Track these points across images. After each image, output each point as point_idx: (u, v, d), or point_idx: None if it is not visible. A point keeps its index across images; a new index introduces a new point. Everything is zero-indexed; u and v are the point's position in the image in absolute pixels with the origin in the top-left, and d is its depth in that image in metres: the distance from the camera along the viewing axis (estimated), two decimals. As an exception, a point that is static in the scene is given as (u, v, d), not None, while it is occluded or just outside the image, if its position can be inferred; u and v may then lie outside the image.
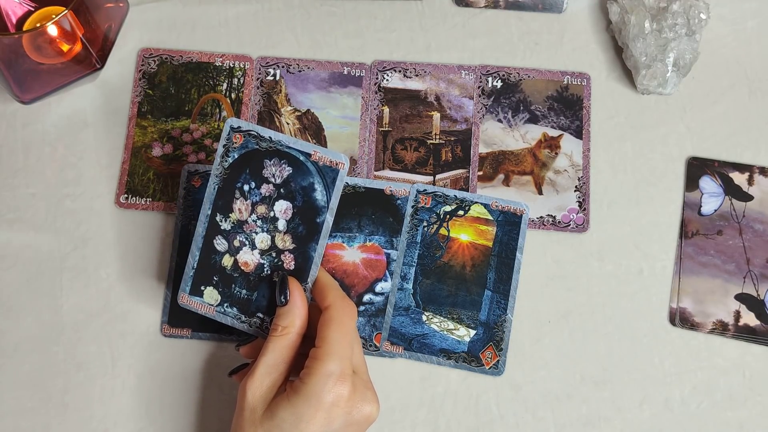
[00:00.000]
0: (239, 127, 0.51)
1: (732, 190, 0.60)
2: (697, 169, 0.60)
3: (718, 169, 0.60)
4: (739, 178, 0.60)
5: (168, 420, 0.55)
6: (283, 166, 0.51)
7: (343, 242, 0.57)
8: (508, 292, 0.57)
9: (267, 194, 0.51)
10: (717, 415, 0.56)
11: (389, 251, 0.57)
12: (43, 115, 0.60)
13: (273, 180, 0.51)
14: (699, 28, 0.60)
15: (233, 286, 0.51)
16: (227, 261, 0.51)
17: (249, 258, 0.51)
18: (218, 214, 0.51)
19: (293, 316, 0.48)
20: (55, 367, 0.56)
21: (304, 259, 0.51)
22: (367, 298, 0.57)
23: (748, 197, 0.59)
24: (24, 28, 0.59)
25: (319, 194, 0.51)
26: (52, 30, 0.56)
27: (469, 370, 0.56)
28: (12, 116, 0.60)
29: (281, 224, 0.51)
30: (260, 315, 0.51)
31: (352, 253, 0.57)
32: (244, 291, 0.51)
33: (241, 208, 0.51)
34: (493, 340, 0.56)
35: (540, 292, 0.58)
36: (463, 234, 0.58)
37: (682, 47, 0.59)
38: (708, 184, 0.60)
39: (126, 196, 0.59)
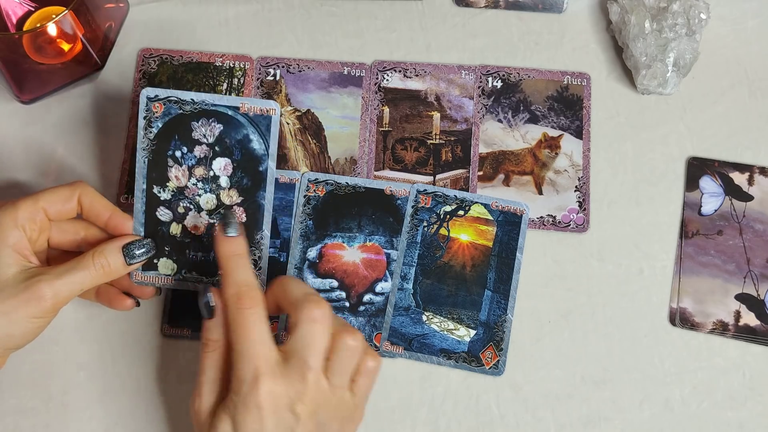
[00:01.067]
0: (156, 95, 0.50)
1: (732, 190, 0.60)
2: (697, 169, 0.60)
3: (718, 169, 0.60)
4: (739, 178, 0.60)
5: (168, 420, 0.55)
6: (213, 124, 0.50)
7: (343, 242, 0.57)
8: (508, 292, 0.57)
9: (202, 155, 0.51)
10: (717, 415, 0.56)
11: (389, 251, 0.57)
12: (43, 115, 0.60)
13: (205, 140, 0.51)
14: (699, 28, 0.60)
15: (187, 251, 0.51)
16: (175, 229, 0.51)
17: (197, 221, 0.51)
18: (155, 186, 0.51)
19: (222, 328, 0.46)
20: (55, 367, 0.56)
21: (254, 208, 0.51)
22: (367, 298, 0.57)
23: (748, 197, 0.59)
24: (24, 28, 0.59)
25: (256, 144, 0.51)
26: (52, 30, 0.56)
27: (469, 370, 0.56)
28: (12, 116, 0.60)
29: (224, 181, 0.51)
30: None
31: (352, 253, 0.57)
32: (199, 254, 0.51)
33: (177, 174, 0.51)
34: (493, 340, 0.56)
35: (540, 292, 0.58)
36: (463, 234, 0.58)
37: (682, 47, 0.59)
38: (708, 184, 0.60)
39: (126, 196, 0.59)
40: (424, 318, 0.57)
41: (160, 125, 0.50)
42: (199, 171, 0.51)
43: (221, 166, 0.51)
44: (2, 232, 0.47)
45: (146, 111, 0.50)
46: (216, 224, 0.50)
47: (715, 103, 0.62)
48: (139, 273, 0.51)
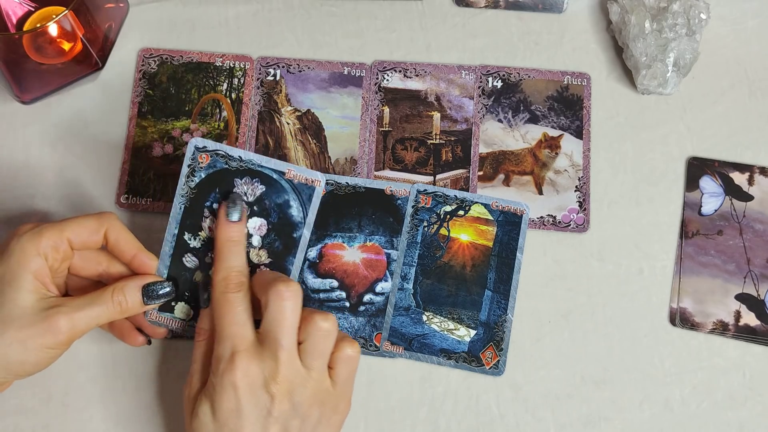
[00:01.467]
0: (205, 146, 0.50)
1: (732, 190, 0.60)
2: (697, 169, 0.60)
3: (719, 169, 0.60)
4: (739, 178, 0.60)
5: (168, 421, 0.55)
6: (256, 184, 0.50)
7: (344, 242, 0.57)
8: (508, 292, 0.57)
9: None
10: (717, 415, 0.56)
11: (389, 251, 0.57)
12: (43, 115, 0.60)
13: (245, 198, 0.50)
14: (699, 28, 0.60)
15: (208, 299, 0.50)
16: (198, 276, 0.51)
17: None
18: (186, 233, 0.51)
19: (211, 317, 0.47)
20: (55, 367, 0.56)
21: (281, 272, 0.51)
22: (367, 298, 0.57)
23: (748, 197, 0.59)
24: (24, 28, 0.59)
25: (295, 210, 0.51)
26: (53, 30, 0.56)
27: (470, 370, 0.56)
28: (12, 116, 0.60)
29: (256, 240, 0.51)
30: None
31: (353, 253, 0.57)
32: None
33: (211, 226, 0.50)
34: (493, 340, 0.56)
35: (540, 292, 0.58)
36: (464, 234, 0.58)
37: (683, 47, 0.59)
38: (708, 184, 0.60)
39: (126, 196, 0.59)
40: (424, 318, 0.57)
41: (203, 176, 0.50)
42: None
43: (256, 225, 0.51)
44: (25, 259, 0.46)
45: (191, 160, 0.50)
46: (221, 204, 0.49)
47: (715, 103, 0.62)
48: (154, 313, 0.51)
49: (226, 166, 0.50)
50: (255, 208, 0.51)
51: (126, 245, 0.49)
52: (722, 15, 0.63)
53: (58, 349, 0.47)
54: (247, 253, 0.51)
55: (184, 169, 0.50)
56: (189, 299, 0.51)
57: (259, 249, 0.51)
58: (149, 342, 0.53)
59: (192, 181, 0.50)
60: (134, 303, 0.48)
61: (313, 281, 0.57)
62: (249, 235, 0.51)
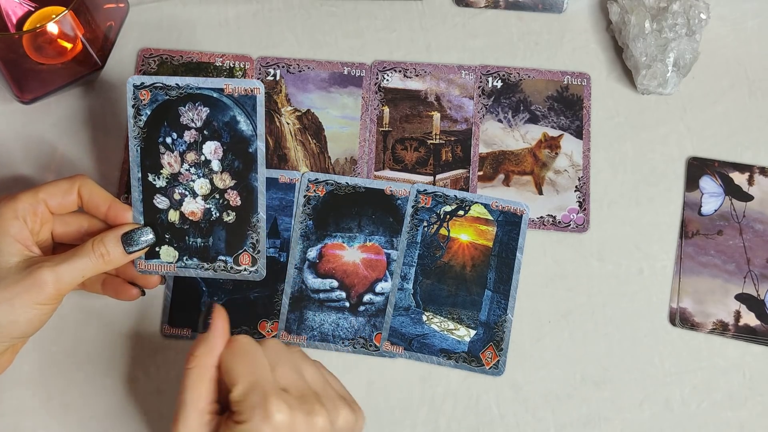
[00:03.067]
0: (142, 83, 0.51)
1: (732, 190, 0.60)
2: (697, 169, 0.60)
3: (718, 169, 0.60)
4: (739, 178, 0.60)
5: (168, 420, 0.55)
6: (199, 108, 0.51)
7: (343, 242, 0.57)
8: (508, 292, 0.57)
9: (192, 140, 0.51)
10: (717, 415, 0.56)
11: (389, 251, 0.57)
12: (43, 115, 0.60)
13: (194, 124, 0.51)
14: (699, 28, 0.60)
15: (187, 238, 0.51)
16: (173, 216, 0.51)
17: (194, 207, 0.51)
18: (149, 174, 0.51)
19: (208, 346, 0.44)
20: (55, 367, 0.56)
21: (248, 191, 0.51)
22: (367, 298, 0.57)
23: (748, 197, 0.59)
24: (24, 28, 0.59)
25: (244, 125, 0.51)
26: (52, 30, 0.56)
27: (469, 370, 0.56)
28: (12, 116, 0.60)
29: (215, 164, 0.51)
30: (222, 258, 0.52)
31: (352, 253, 0.57)
32: (199, 240, 0.51)
33: (170, 161, 0.51)
34: (493, 340, 0.56)
35: (540, 292, 0.58)
36: (464, 234, 0.58)
37: (682, 47, 0.59)
38: (708, 184, 0.60)
39: (126, 195, 0.59)
40: (424, 318, 0.57)
41: (149, 112, 0.51)
42: (191, 156, 0.51)
43: (211, 149, 0.51)
44: (3, 223, 0.47)
45: (134, 99, 0.51)
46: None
47: (715, 103, 0.62)
48: (142, 262, 0.52)
49: (167, 96, 0.51)
50: (205, 132, 0.51)
51: (99, 199, 0.50)
52: (722, 15, 0.63)
53: (48, 304, 0.47)
54: (211, 180, 0.51)
55: (129, 110, 0.51)
56: (171, 240, 0.52)
57: (221, 173, 0.51)
58: (143, 293, 0.53)
59: (140, 120, 0.51)
60: (116, 253, 0.49)
61: (313, 281, 0.57)
62: (207, 161, 0.51)
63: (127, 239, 0.49)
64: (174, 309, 0.57)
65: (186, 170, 0.51)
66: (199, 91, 0.51)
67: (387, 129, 0.61)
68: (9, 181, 0.59)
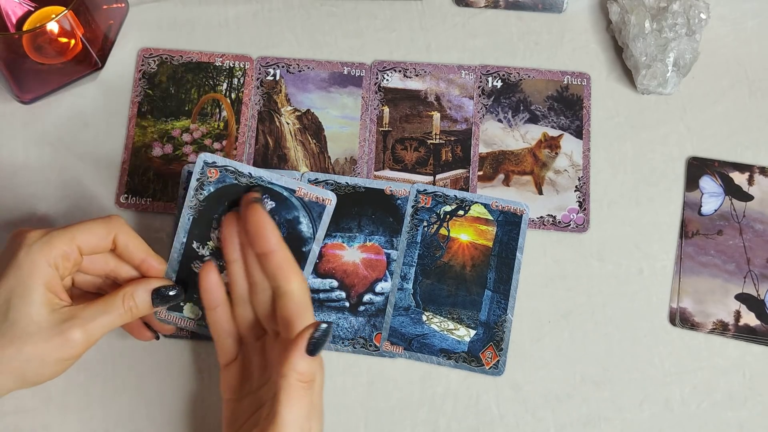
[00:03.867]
0: (214, 162, 0.50)
1: (732, 190, 0.60)
2: (697, 169, 0.60)
3: (718, 169, 0.60)
4: (739, 178, 0.60)
5: (168, 420, 0.55)
6: (266, 200, 0.50)
7: (343, 242, 0.57)
8: (508, 292, 0.57)
9: None
10: (717, 415, 0.56)
11: (389, 251, 0.57)
12: (43, 115, 0.60)
13: None
14: (699, 28, 0.60)
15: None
16: None
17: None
18: (194, 242, 0.51)
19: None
20: (55, 367, 0.56)
21: None
22: (367, 298, 0.57)
23: (748, 197, 0.59)
24: (24, 28, 0.59)
25: (305, 227, 0.51)
26: (52, 30, 0.56)
27: (469, 370, 0.56)
28: (12, 116, 0.60)
29: None
30: None
31: (352, 253, 0.57)
32: None
33: (219, 237, 0.50)
34: (493, 340, 0.56)
35: (540, 292, 0.58)
36: (463, 234, 0.58)
37: (682, 47, 0.59)
38: (708, 184, 0.60)
39: (126, 196, 0.59)
40: (424, 318, 0.57)
41: (212, 189, 0.50)
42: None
43: None
44: (36, 271, 0.45)
45: (200, 174, 0.50)
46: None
47: (715, 103, 0.62)
48: (164, 311, 0.52)
49: (236, 181, 0.50)
50: None
51: (135, 250, 0.49)
52: (722, 15, 0.63)
53: (73, 359, 0.47)
54: None
55: (193, 183, 0.50)
56: (197, 300, 0.51)
57: None
58: (157, 337, 0.54)
59: (200, 194, 0.50)
60: (144, 306, 0.49)
61: (313, 281, 0.57)
62: None
63: (158, 297, 0.49)
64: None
65: None
66: (270, 186, 0.50)
67: (387, 129, 0.61)
68: (9, 181, 0.59)
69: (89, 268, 0.50)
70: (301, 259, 0.51)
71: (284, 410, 0.43)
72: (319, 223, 0.51)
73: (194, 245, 0.51)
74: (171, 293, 0.49)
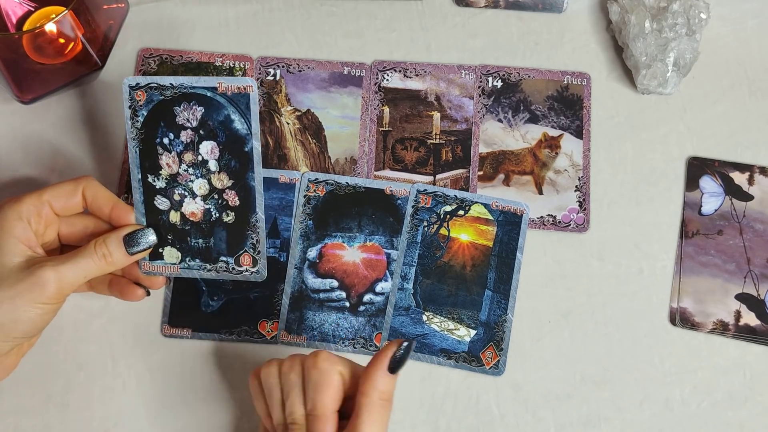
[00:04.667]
0: (137, 83, 0.51)
1: (732, 190, 0.60)
2: (697, 168, 0.60)
3: (719, 168, 0.60)
4: (739, 178, 0.60)
5: (168, 420, 0.55)
6: (194, 107, 0.51)
7: (344, 242, 0.57)
8: (508, 292, 0.57)
9: (188, 140, 0.51)
10: (717, 415, 0.56)
11: (389, 251, 0.57)
12: (43, 115, 0.60)
13: (189, 124, 0.51)
14: (699, 28, 0.60)
15: (189, 238, 0.51)
16: (174, 216, 0.52)
17: (194, 207, 0.52)
18: (149, 175, 0.51)
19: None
20: (55, 367, 0.56)
21: (245, 191, 0.51)
22: (367, 298, 0.57)
23: (748, 197, 0.59)
24: (24, 28, 0.59)
25: (239, 123, 0.51)
26: (52, 30, 0.56)
27: (470, 370, 0.56)
28: (12, 116, 0.60)
29: (212, 164, 0.51)
30: (223, 258, 0.52)
31: (353, 253, 0.57)
32: (200, 240, 0.52)
33: (168, 162, 0.51)
34: (493, 340, 0.56)
35: (540, 292, 0.58)
36: (464, 234, 0.58)
37: (683, 47, 0.59)
38: (708, 184, 0.60)
39: (126, 196, 0.59)
40: (425, 318, 0.57)
41: (145, 113, 0.51)
42: (188, 156, 0.51)
43: (208, 149, 0.51)
44: (7, 224, 0.48)
45: (130, 100, 0.51)
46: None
47: (715, 103, 0.62)
48: (146, 263, 0.52)
49: (162, 97, 0.51)
50: (201, 132, 0.51)
51: (103, 200, 0.50)
52: (722, 15, 0.63)
53: (49, 303, 0.47)
54: (209, 180, 0.51)
55: (126, 112, 0.51)
56: (174, 242, 0.52)
57: (219, 173, 0.51)
58: (148, 293, 0.54)
59: (137, 121, 0.51)
60: (118, 254, 0.49)
61: (313, 281, 0.57)
62: (205, 161, 0.51)
63: (129, 240, 0.50)
64: (174, 309, 0.57)
65: (184, 171, 0.51)
66: (193, 90, 0.51)
67: (387, 129, 0.61)
68: (9, 181, 0.59)
69: (70, 233, 0.51)
70: (246, 159, 0.51)
71: (367, 428, 0.43)
72: (250, 115, 0.51)
73: (149, 179, 0.51)
74: (142, 237, 0.50)
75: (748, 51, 0.63)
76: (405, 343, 0.45)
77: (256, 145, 0.51)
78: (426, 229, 0.58)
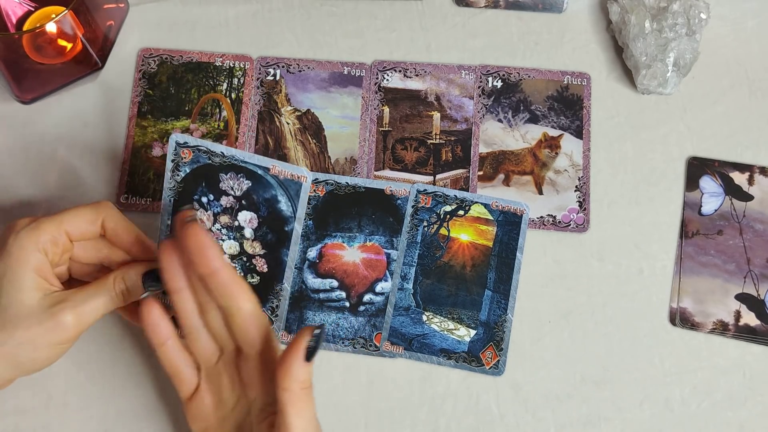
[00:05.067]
0: (186, 142, 0.50)
1: (732, 190, 0.60)
2: (697, 168, 0.60)
3: (719, 168, 0.60)
4: (739, 178, 0.60)
5: (168, 420, 0.55)
6: (241, 179, 0.50)
7: (344, 242, 0.57)
8: (508, 292, 0.57)
9: (228, 205, 0.50)
10: (717, 415, 0.56)
11: (389, 251, 0.57)
12: (43, 116, 0.60)
13: (232, 192, 0.50)
14: (699, 28, 0.60)
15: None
16: None
17: None
18: None
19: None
20: (55, 367, 0.56)
21: (276, 262, 0.51)
22: (367, 298, 0.57)
23: (748, 197, 0.59)
24: (24, 28, 0.59)
25: (284, 205, 0.50)
26: (52, 30, 0.56)
27: (470, 370, 0.56)
28: (12, 116, 0.60)
29: (248, 232, 0.51)
30: None
31: (353, 253, 0.57)
32: None
33: (202, 218, 0.50)
34: (493, 340, 0.56)
35: (540, 292, 0.58)
36: (464, 234, 0.58)
37: (683, 47, 0.59)
38: (708, 184, 0.60)
39: (126, 196, 0.59)
40: (424, 318, 0.57)
41: (188, 170, 0.50)
42: (224, 219, 0.50)
43: (247, 218, 0.50)
44: (25, 257, 0.46)
45: (174, 155, 0.50)
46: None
47: (715, 103, 0.62)
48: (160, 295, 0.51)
49: (209, 161, 0.50)
50: (243, 202, 0.50)
51: (124, 233, 0.49)
52: (722, 15, 0.63)
53: (67, 343, 0.47)
54: (241, 244, 0.51)
55: (168, 164, 0.50)
56: None
57: (253, 240, 0.51)
58: None
59: (177, 175, 0.50)
60: (135, 289, 0.48)
61: (313, 281, 0.57)
62: (240, 228, 0.50)
63: (148, 278, 0.48)
64: (174, 309, 0.57)
65: (217, 230, 0.50)
66: (244, 164, 0.50)
67: (387, 129, 0.61)
68: (9, 180, 0.59)
69: (82, 256, 0.50)
70: (285, 238, 0.51)
71: (295, 420, 0.43)
72: (298, 201, 0.50)
73: None
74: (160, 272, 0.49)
75: (748, 51, 0.63)
76: (316, 330, 0.43)
77: (298, 228, 0.50)
78: (426, 229, 0.58)
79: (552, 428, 0.56)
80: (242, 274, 0.51)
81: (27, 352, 0.45)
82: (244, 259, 0.50)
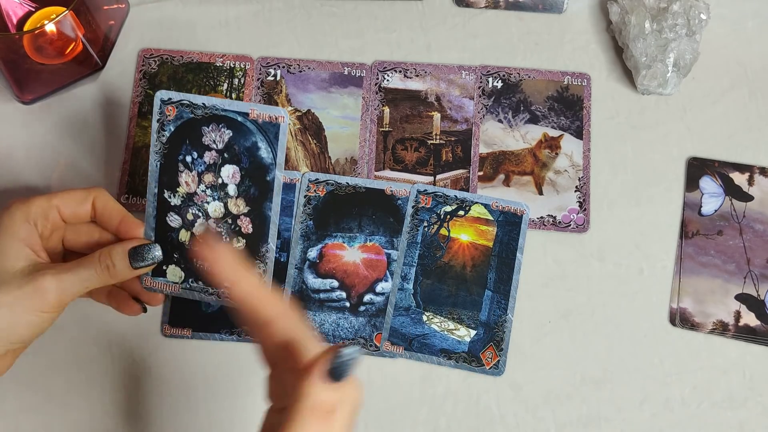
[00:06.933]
0: (170, 98, 0.50)
1: (732, 190, 0.60)
2: (697, 169, 0.60)
3: (719, 169, 0.60)
4: (739, 178, 0.60)
5: (168, 420, 0.55)
6: (222, 129, 0.50)
7: (344, 242, 0.57)
8: (508, 292, 0.57)
9: (211, 161, 0.50)
10: (717, 415, 0.56)
11: (390, 251, 0.57)
12: (44, 116, 0.60)
13: (215, 146, 0.50)
14: (699, 29, 0.60)
15: (195, 259, 0.51)
16: (184, 236, 0.51)
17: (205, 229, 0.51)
18: (165, 191, 0.51)
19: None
20: (55, 367, 0.56)
21: (260, 220, 0.51)
22: (367, 298, 0.57)
23: (748, 197, 0.60)
24: (24, 29, 0.59)
25: (264, 152, 0.50)
26: (53, 30, 0.56)
27: (470, 370, 0.56)
28: (12, 116, 0.60)
29: (231, 189, 0.51)
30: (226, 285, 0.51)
31: (353, 253, 0.57)
32: (205, 263, 0.51)
33: (187, 180, 0.50)
34: (493, 340, 0.56)
35: (540, 292, 0.58)
36: (464, 234, 0.58)
37: (683, 47, 0.59)
38: (708, 184, 0.60)
39: (126, 196, 0.59)
40: (425, 318, 0.57)
41: (173, 129, 0.50)
42: (208, 177, 0.50)
43: (230, 173, 0.51)
44: (13, 225, 0.47)
45: (159, 114, 0.50)
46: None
47: (715, 103, 0.62)
48: (149, 278, 0.51)
49: (192, 115, 0.50)
50: (225, 155, 0.50)
51: (112, 212, 0.50)
52: (722, 15, 0.63)
53: (48, 312, 0.46)
54: (225, 204, 0.51)
55: (154, 125, 0.50)
56: (179, 261, 0.51)
57: (236, 198, 0.51)
58: (144, 309, 0.53)
59: (163, 135, 0.50)
60: (122, 266, 0.48)
61: (314, 281, 0.57)
62: (224, 185, 0.51)
63: (135, 254, 0.49)
64: (174, 309, 0.57)
65: (202, 191, 0.50)
66: (224, 113, 0.50)
67: (387, 129, 0.61)
68: (9, 181, 0.59)
69: (75, 241, 0.51)
70: (267, 189, 0.51)
71: None
72: (277, 145, 0.50)
73: (165, 194, 0.51)
74: (148, 252, 0.49)
75: (748, 51, 0.63)
76: (347, 350, 0.35)
77: (279, 175, 0.50)
78: (426, 229, 0.58)
79: (552, 428, 0.56)
80: (227, 240, 0.51)
81: (5, 317, 0.45)
82: (230, 221, 0.51)
